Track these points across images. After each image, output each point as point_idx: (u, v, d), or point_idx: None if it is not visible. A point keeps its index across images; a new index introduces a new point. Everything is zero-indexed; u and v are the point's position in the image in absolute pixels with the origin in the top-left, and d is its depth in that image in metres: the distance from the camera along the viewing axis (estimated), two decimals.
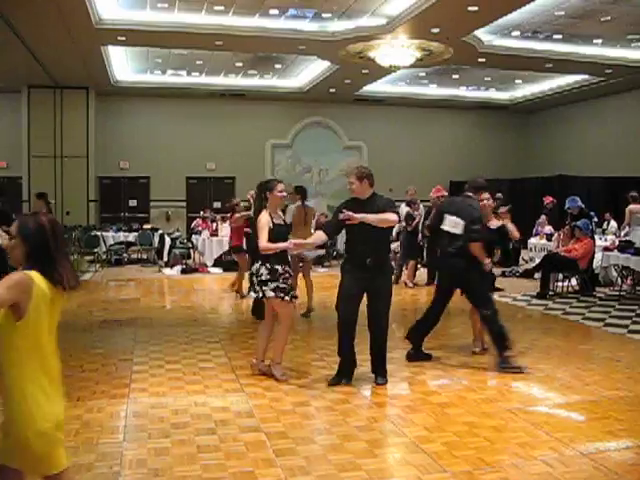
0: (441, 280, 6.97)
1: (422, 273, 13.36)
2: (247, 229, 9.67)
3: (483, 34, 14.31)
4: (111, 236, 16.27)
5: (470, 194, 6.76)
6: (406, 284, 12.16)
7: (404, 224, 12.11)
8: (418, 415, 4.96)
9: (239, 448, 4.29)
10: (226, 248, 14.40)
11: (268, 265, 5.77)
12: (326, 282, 12.23)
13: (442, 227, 6.59)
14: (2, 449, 2.66)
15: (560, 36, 14.57)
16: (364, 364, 6.32)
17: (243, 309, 10.00)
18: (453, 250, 6.41)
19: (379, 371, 5.80)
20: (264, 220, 5.78)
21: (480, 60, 15.93)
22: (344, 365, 5.76)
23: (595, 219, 13.72)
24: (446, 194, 13.27)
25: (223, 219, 14.98)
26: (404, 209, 12.34)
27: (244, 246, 10.60)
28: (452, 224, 6.47)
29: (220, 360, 6.67)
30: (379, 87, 20.09)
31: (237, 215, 10.83)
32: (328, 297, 10.92)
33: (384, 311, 5.78)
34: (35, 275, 2.65)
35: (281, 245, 5.71)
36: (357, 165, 6.26)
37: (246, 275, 8.98)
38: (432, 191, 12.73)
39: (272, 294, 5.75)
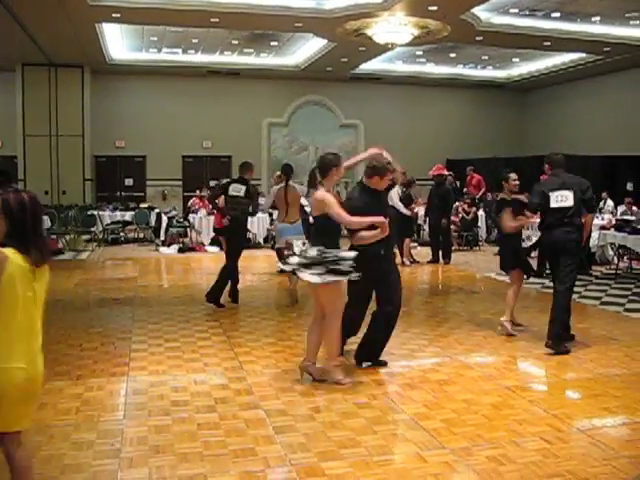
0: None
1: (420, 251, 13.40)
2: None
3: (481, 12, 14.22)
4: (107, 215, 16.26)
5: None
6: (404, 263, 12.16)
7: (398, 203, 11.96)
8: (417, 392, 4.99)
9: (239, 425, 4.32)
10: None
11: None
12: None
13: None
14: None
15: (558, 14, 14.49)
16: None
17: (239, 287, 10.00)
18: None
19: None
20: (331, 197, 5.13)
21: (478, 38, 15.83)
22: None
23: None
24: (446, 173, 13.29)
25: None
26: (395, 190, 12.15)
27: None
28: None
29: (219, 338, 6.70)
30: (376, 65, 19.98)
31: None
32: None
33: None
34: (10, 251, 2.78)
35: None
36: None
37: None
38: (432, 169, 12.74)
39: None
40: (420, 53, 18.79)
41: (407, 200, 12.27)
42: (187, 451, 3.90)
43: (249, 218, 9.52)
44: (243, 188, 8.31)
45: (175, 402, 4.76)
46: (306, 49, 18.31)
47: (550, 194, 6.23)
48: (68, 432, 4.16)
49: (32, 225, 2.90)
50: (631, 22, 15.00)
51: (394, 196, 12.00)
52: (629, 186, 18.25)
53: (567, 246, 6.21)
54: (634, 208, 14.32)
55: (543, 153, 18.02)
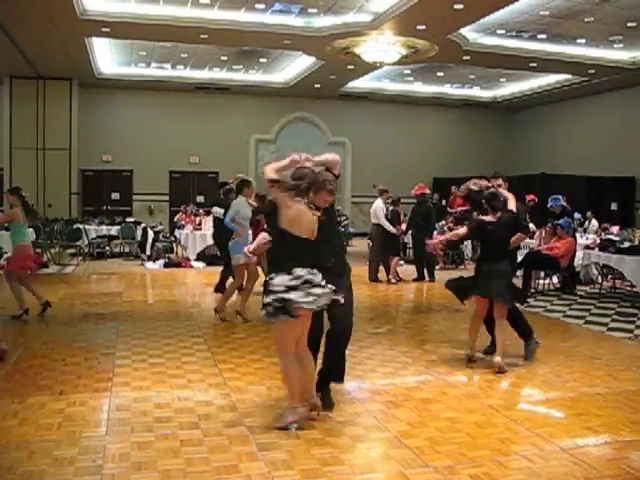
0: None
1: (406, 269, 13.42)
2: None
3: (468, 32, 14.39)
4: (93, 229, 16.18)
5: None
6: (389, 280, 12.21)
7: (384, 221, 12.01)
8: (400, 410, 4.99)
9: (222, 442, 4.29)
10: (210, 242, 14.35)
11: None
12: None
13: None
14: None
15: (544, 36, 14.70)
16: (346, 359, 6.38)
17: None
18: None
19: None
20: None
21: (465, 58, 16.02)
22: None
23: (578, 216, 13.88)
24: (428, 192, 13.35)
25: (207, 213, 14.92)
26: (381, 207, 12.19)
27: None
28: None
29: (203, 354, 6.66)
30: (364, 83, 20.15)
31: None
32: None
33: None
34: None
35: None
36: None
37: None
38: (415, 188, 12.79)
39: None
40: (408, 72, 18.95)
41: (395, 218, 12.33)
42: (170, 468, 3.87)
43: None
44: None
45: (158, 418, 4.73)
46: (295, 66, 18.42)
47: None
48: (49, 448, 4.12)
49: None
50: (615, 45, 15.24)
51: (379, 213, 12.06)
52: (614, 206, 18.45)
53: None
54: (613, 229, 14.43)
55: (529, 172, 18.30)
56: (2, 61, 17.02)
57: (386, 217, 12.12)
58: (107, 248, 16.33)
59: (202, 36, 14.35)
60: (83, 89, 19.76)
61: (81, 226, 15.91)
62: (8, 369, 6.00)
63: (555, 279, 11.76)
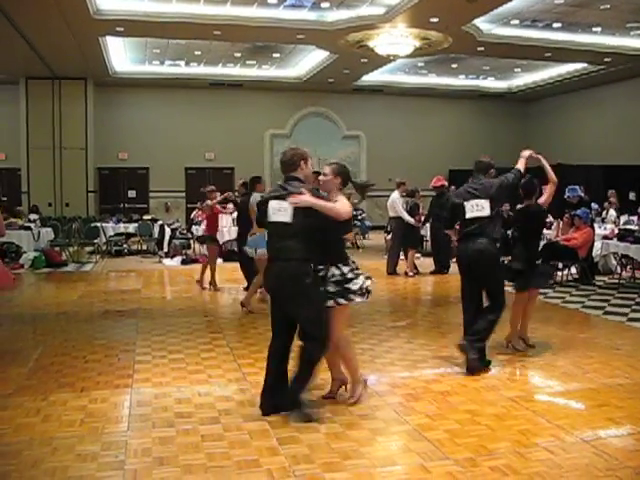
0: None
1: (423, 262, 13.39)
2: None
3: (482, 23, 14.31)
4: (111, 227, 16.27)
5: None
6: (407, 273, 12.19)
7: (403, 213, 12.05)
8: (420, 403, 4.99)
9: (243, 437, 4.31)
10: (226, 238, 14.39)
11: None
12: None
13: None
14: None
15: (559, 24, 14.57)
16: (365, 352, 6.39)
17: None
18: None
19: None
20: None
21: (479, 49, 15.93)
22: None
23: (596, 206, 13.77)
24: (446, 184, 13.32)
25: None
26: (398, 199, 12.21)
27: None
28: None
29: (222, 350, 6.70)
30: (378, 77, 20.10)
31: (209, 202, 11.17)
32: None
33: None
34: None
35: None
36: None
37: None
38: (433, 180, 12.77)
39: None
40: (422, 64, 18.88)
41: (415, 210, 12.33)
42: (191, 463, 3.90)
43: None
44: None
45: (179, 414, 4.76)
46: (308, 61, 18.40)
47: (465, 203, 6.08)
48: (72, 444, 4.16)
49: None
50: (632, 32, 15.08)
51: (397, 206, 12.07)
52: (631, 196, 18.27)
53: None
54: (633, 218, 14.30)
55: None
56: (18, 62, 17.14)
57: (406, 209, 12.17)
58: (125, 246, 16.43)
59: (215, 32, 14.37)
60: (98, 88, 19.86)
61: (98, 224, 16.01)
62: (30, 366, 6.07)
63: (573, 270, 11.68)
